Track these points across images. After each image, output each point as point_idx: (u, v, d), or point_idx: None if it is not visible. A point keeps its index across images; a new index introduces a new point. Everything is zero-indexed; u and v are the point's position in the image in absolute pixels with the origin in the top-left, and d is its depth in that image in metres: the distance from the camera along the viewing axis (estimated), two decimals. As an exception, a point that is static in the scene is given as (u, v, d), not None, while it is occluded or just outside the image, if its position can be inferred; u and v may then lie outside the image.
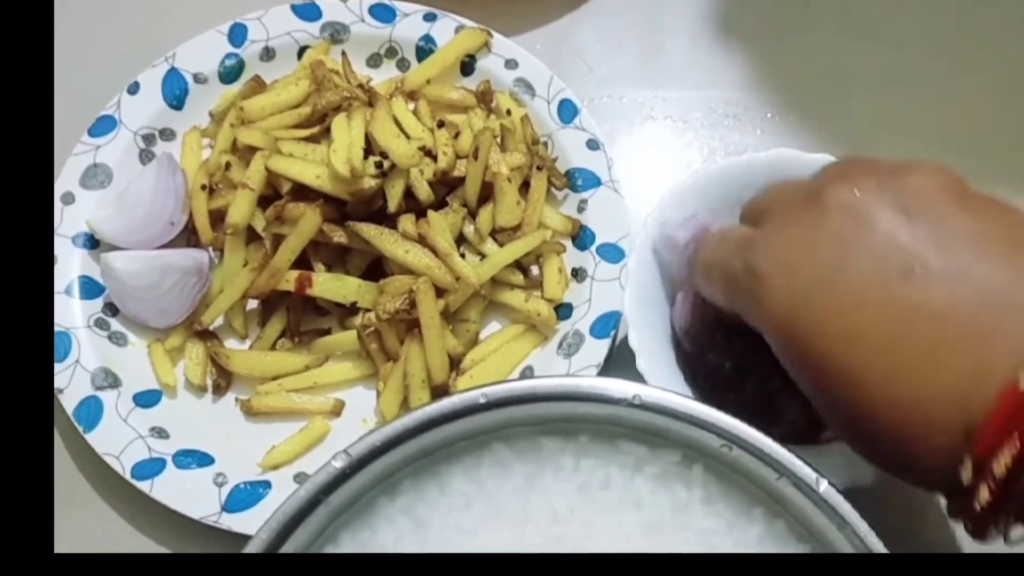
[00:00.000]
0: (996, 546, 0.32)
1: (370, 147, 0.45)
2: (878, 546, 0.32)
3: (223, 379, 0.45)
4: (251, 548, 0.32)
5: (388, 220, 0.45)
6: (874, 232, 0.32)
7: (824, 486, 0.33)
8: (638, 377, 0.40)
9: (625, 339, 0.48)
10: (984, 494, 0.29)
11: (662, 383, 0.41)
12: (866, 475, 0.39)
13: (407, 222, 0.45)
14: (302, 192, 0.45)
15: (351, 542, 0.34)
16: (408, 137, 0.46)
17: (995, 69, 0.56)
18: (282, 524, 0.32)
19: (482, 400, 0.34)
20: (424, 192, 0.45)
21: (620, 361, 0.48)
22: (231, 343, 0.47)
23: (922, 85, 0.56)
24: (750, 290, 0.35)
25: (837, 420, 0.34)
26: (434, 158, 0.46)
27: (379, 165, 0.44)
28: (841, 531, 0.32)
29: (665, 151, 0.54)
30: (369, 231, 0.44)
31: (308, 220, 0.44)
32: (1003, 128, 0.54)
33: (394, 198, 0.45)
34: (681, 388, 0.42)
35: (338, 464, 0.33)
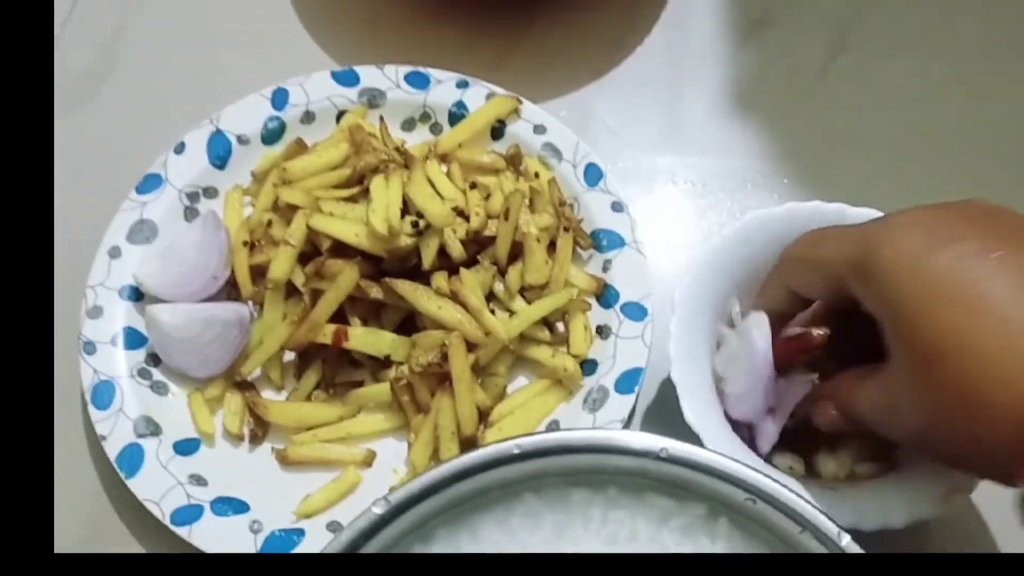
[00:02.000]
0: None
1: (406, 207, 0.47)
2: (899, 600, 0.33)
3: (260, 428, 0.47)
4: (291, 592, 0.33)
5: (422, 277, 0.47)
6: (1014, 223, 0.34)
7: (846, 540, 0.34)
8: (667, 432, 0.41)
9: (653, 396, 0.50)
10: None
11: (711, 435, 0.42)
12: (898, 517, 0.40)
13: (440, 279, 0.47)
14: (341, 249, 0.47)
15: (388, 588, 0.35)
16: (442, 198, 0.48)
17: (1011, 134, 0.58)
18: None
19: (516, 451, 0.36)
20: (457, 250, 0.47)
21: (649, 418, 0.50)
22: (268, 394, 0.48)
23: (938, 152, 0.58)
24: (880, 240, 0.35)
25: (922, 379, 0.34)
26: (466, 218, 0.48)
27: (415, 224, 0.46)
28: (863, 585, 0.33)
29: (686, 214, 0.56)
30: (404, 287, 0.46)
31: (346, 276, 0.46)
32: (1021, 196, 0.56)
33: (428, 256, 0.47)
34: (729, 440, 0.43)
35: (378, 510, 0.34)
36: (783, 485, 0.35)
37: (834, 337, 0.41)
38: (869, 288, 0.36)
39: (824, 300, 0.41)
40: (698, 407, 0.42)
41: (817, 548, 0.34)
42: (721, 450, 0.41)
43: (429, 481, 0.35)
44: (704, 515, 0.36)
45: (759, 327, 0.42)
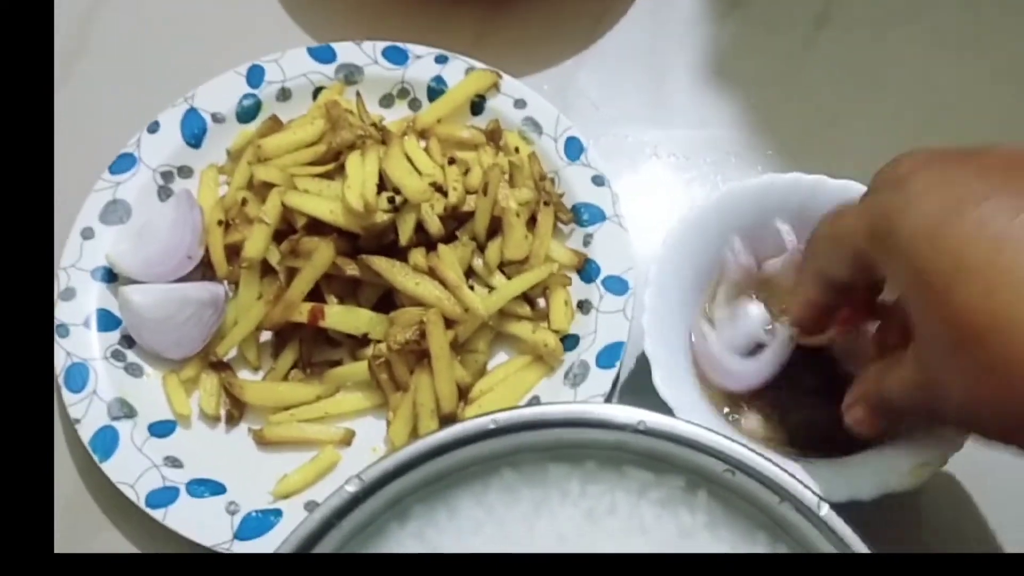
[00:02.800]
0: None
1: (383, 183, 0.46)
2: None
3: (236, 409, 0.46)
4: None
5: (399, 254, 0.46)
6: None
7: (825, 510, 0.33)
8: (647, 405, 0.41)
9: (633, 369, 0.49)
10: None
11: (682, 406, 0.41)
12: (868, 490, 0.40)
13: (418, 255, 0.46)
14: (316, 227, 0.46)
15: (362, 566, 0.35)
16: (420, 173, 0.47)
17: (997, 104, 0.58)
18: (295, 547, 0.33)
19: (492, 426, 0.35)
20: (435, 226, 0.46)
21: (629, 391, 0.49)
22: (244, 374, 0.48)
23: (922, 123, 0.57)
24: (898, 209, 0.33)
25: (953, 340, 0.32)
26: (444, 194, 0.47)
27: (391, 200, 0.45)
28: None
29: (668, 187, 0.55)
30: (381, 264, 0.45)
31: (322, 253, 0.45)
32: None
33: (405, 232, 0.46)
34: (703, 411, 0.42)
35: (351, 488, 0.34)
36: (762, 455, 0.34)
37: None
38: (891, 262, 0.34)
39: (853, 280, 0.38)
40: (671, 379, 0.42)
41: (796, 518, 0.34)
42: (679, 405, 0.41)
43: (404, 458, 0.35)
44: (683, 487, 0.36)
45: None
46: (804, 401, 0.43)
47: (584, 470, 0.36)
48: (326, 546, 0.34)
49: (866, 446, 0.41)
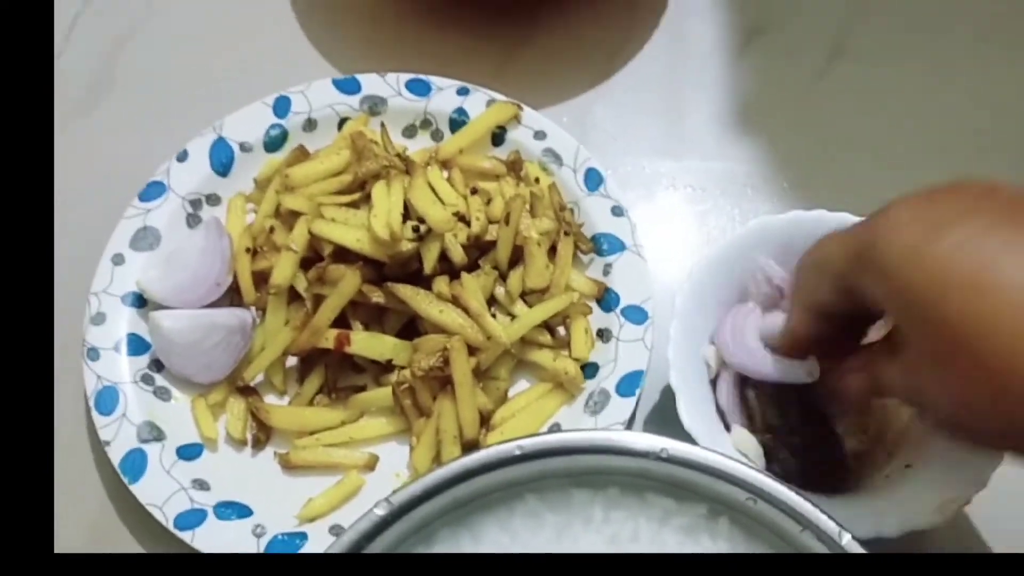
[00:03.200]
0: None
1: (408, 212, 0.48)
2: (900, 598, 0.33)
3: (263, 433, 0.47)
4: (294, 593, 0.33)
5: (423, 282, 0.47)
6: (1013, 199, 0.33)
7: (847, 539, 0.34)
8: (669, 434, 0.42)
9: (657, 402, 0.50)
10: None
11: (703, 434, 0.42)
12: (891, 527, 0.40)
13: (441, 283, 0.47)
14: (342, 255, 0.47)
15: (390, 589, 0.36)
16: (443, 203, 0.48)
17: (1012, 138, 0.58)
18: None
19: (517, 452, 0.36)
20: (458, 255, 0.47)
21: (653, 423, 0.50)
22: (271, 399, 0.48)
23: (937, 156, 0.58)
24: (876, 233, 0.35)
25: (944, 354, 0.33)
26: (467, 223, 0.48)
27: (416, 229, 0.46)
28: (863, 583, 0.33)
29: (684, 218, 0.56)
30: (406, 292, 0.46)
31: (348, 281, 0.46)
32: None
33: (430, 260, 0.47)
34: (724, 442, 0.43)
35: (380, 512, 0.34)
36: (784, 485, 0.35)
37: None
38: (875, 284, 0.36)
39: (836, 305, 0.39)
40: (696, 411, 0.42)
41: (818, 547, 0.34)
42: (700, 432, 0.42)
43: (431, 483, 0.35)
44: (705, 515, 0.36)
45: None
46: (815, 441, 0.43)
47: (607, 496, 0.37)
48: (355, 569, 0.34)
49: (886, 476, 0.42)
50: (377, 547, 0.35)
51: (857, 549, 0.33)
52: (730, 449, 0.42)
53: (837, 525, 0.34)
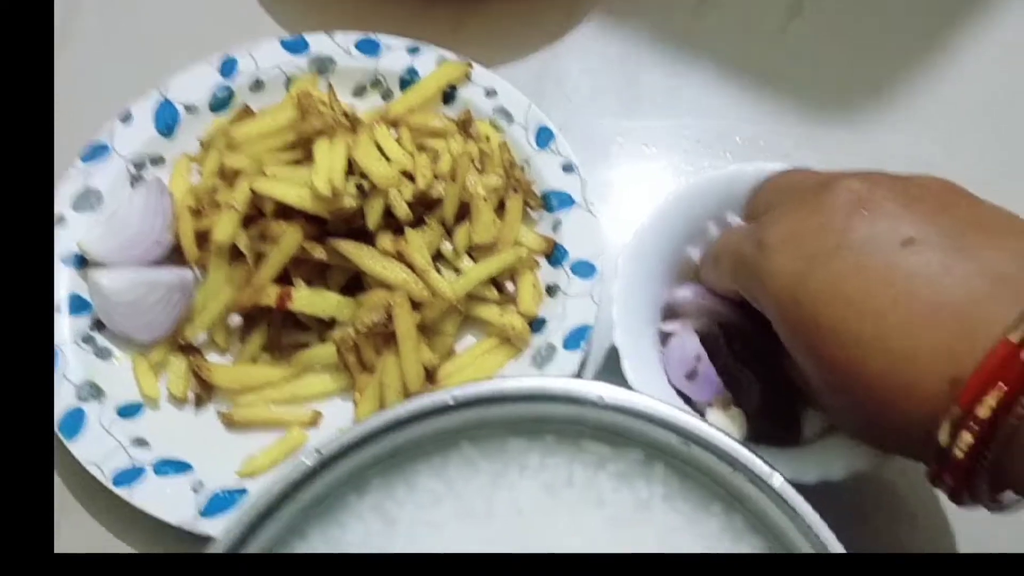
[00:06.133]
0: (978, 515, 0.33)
1: (351, 169, 0.47)
2: (830, 539, 0.33)
3: (205, 392, 0.47)
4: (221, 541, 0.33)
5: (367, 238, 0.47)
6: (879, 211, 0.34)
7: (778, 480, 0.34)
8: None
9: (603, 364, 0.50)
10: (966, 439, 0.30)
11: (647, 384, 0.42)
12: (838, 470, 0.40)
13: (385, 239, 0.46)
14: (284, 212, 0.47)
15: (320, 538, 0.35)
16: (389, 160, 0.48)
17: (971, 91, 0.58)
18: (252, 518, 0.33)
19: (450, 401, 0.35)
20: (403, 211, 0.47)
21: (599, 379, 0.49)
22: (213, 357, 0.48)
23: (894, 111, 0.57)
24: (757, 263, 0.36)
25: (829, 384, 0.35)
26: (413, 180, 0.48)
27: (359, 186, 0.46)
28: (794, 523, 0.33)
29: (640, 176, 0.56)
30: (348, 247, 0.46)
31: (289, 237, 0.45)
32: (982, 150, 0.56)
33: (373, 217, 0.46)
34: (664, 389, 0.43)
35: (309, 461, 0.34)
36: (715, 428, 0.35)
37: None
38: (765, 311, 0.37)
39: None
40: (641, 368, 0.42)
41: (750, 489, 0.34)
42: (643, 383, 0.42)
43: (361, 432, 0.35)
44: (641, 460, 0.36)
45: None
46: (763, 396, 0.43)
47: (543, 444, 0.37)
48: (283, 518, 0.34)
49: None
50: (307, 496, 0.34)
51: (787, 490, 0.33)
52: (677, 403, 0.42)
53: (768, 466, 0.34)
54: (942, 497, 0.46)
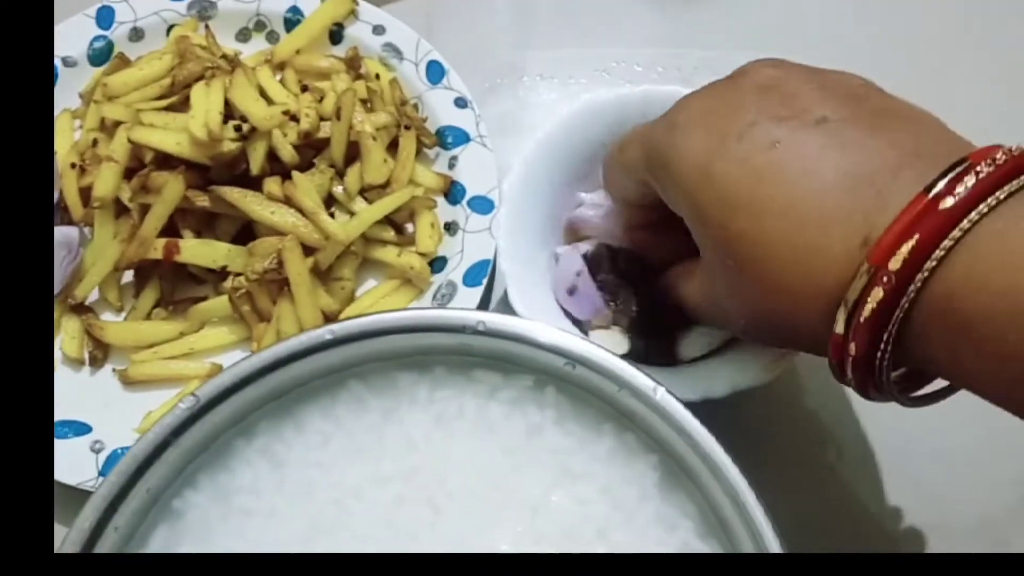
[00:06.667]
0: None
1: (231, 112, 0.46)
2: (715, 447, 0.33)
3: (100, 351, 0.46)
4: (103, 490, 0.32)
5: (253, 184, 0.46)
6: (794, 94, 0.34)
7: (661, 394, 0.34)
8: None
9: (504, 295, 0.50)
10: (876, 294, 0.30)
11: (533, 308, 0.42)
12: (721, 388, 0.40)
13: (272, 184, 0.45)
14: (166, 161, 0.45)
15: (209, 483, 0.35)
16: (270, 102, 0.47)
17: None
18: (132, 467, 0.33)
19: (329, 336, 0.35)
20: (288, 154, 0.46)
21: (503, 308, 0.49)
22: (108, 316, 0.47)
23: (817, 47, 0.57)
24: (667, 142, 0.35)
25: (734, 266, 0.34)
26: (298, 122, 0.47)
27: (238, 128, 0.45)
28: (681, 436, 0.33)
29: (538, 107, 0.55)
30: (232, 194, 0.45)
31: (171, 187, 0.44)
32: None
33: (256, 160, 0.45)
34: (558, 322, 0.43)
35: (185, 405, 0.34)
36: (599, 347, 0.35)
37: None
38: (670, 193, 0.36)
39: (648, 200, 0.40)
40: (527, 295, 0.42)
41: (636, 406, 0.34)
42: (531, 311, 0.42)
43: (239, 373, 0.34)
44: (531, 386, 0.36)
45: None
46: (640, 312, 0.43)
47: (433, 376, 0.37)
48: (166, 464, 0.34)
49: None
50: (188, 441, 0.34)
51: (672, 403, 0.34)
52: (565, 327, 0.42)
53: (651, 381, 0.34)
54: (853, 406, 0.47)
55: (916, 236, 0.29)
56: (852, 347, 0.31)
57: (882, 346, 0.31)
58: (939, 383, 0.34)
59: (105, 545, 0.32)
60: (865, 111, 0.33)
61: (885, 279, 0.29)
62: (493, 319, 0.35)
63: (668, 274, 0.41)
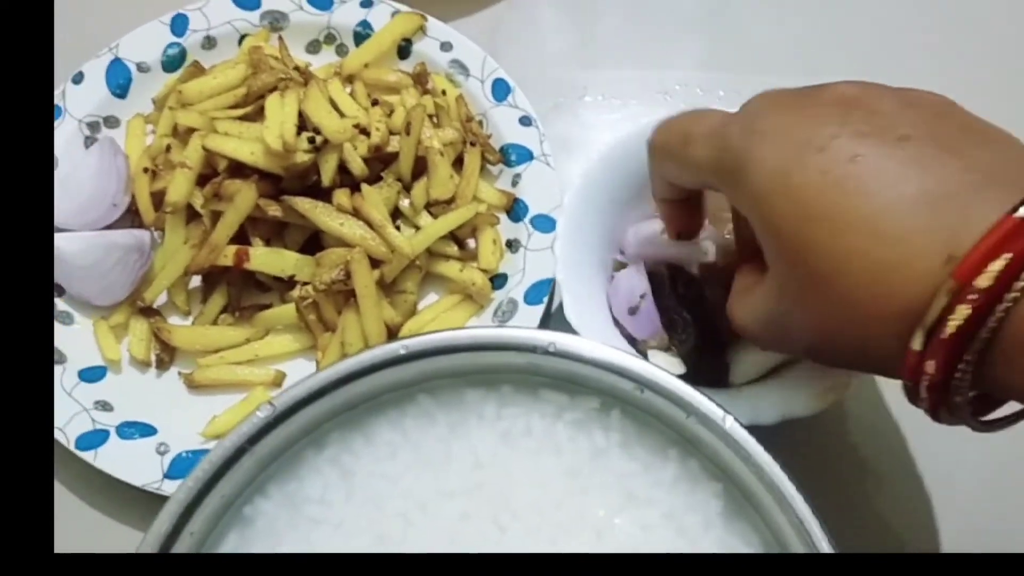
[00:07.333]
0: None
1: (304, 124, 0.47)
2: (782, 478, 0.33)
3: (166, 354, 0.46)
4: (179, 495, 0.33)
5: (324, 195, 0.47)
6: (875, 110, 0.33)
7: (729, 422, 0.34)
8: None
9: (562, 309, 0.50)
10: (962, 311, 0.29)
11: (589, 327, 0.42)
12: (770, 415, 0.40)
13: (342, 196, 0.46)
14: (239, 170, 0.46)
15: (279, 492, 0.35)
16: (342, 115, 0.47)
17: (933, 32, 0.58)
18: (209, 473, 0.34)
19: (402, 351, 0.35)
20: (358, 166, 0.47)
21: (561, 328, 0.50)
22: (175, 320, 0.48)
23: (859, 61, 0.57)
24: (744, 148, 0.34)
25: (812, 276, 0.33)
26: (368, 135, 0.48)
27: (312, 140, 0.46)
28: (747, 465, 0.34)
29: (599, 127, 0.55)
30: (303, 204, 0.45)
31: (244, 196, 0.45)
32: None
33: (327, 172, 0.46)
34: (611, 337, 0.43)
35: (262, 414, 0.34)
36: (669, 373, 0.35)
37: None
38: (741, 202, 0.36)
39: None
40: (583, 307, 0.42)
41: (704, 433, 0.35)
42: (588, 330, 0.42)
43: (315, 384, 0.35)
44: (597, 408, 0.37)
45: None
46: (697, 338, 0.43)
47: (500, 394, 0.37)
48: (240, 472, 0.34)
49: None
50: (263, 449, 0.35)
51: (739, 431, 0.34)
52: (620, 343, 0.42)
53: (721, 409, 0.34)
54: (897, 438, 0.47)
55: (1009, 255, 0.28)
56: (929, 366, 0.30)
57: (962, 367, 0.30)
58: (1012, 406, 0.33)
59: (180, 549, 0.33)
60: (948, 129, 0.33)
61: (972, 297, 0.29)
62: (564, 340, 0.36)
63: (731, 293, 0.40)
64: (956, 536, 0.45)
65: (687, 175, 0.39)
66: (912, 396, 0.33)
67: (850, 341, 0.34)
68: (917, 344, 0.30)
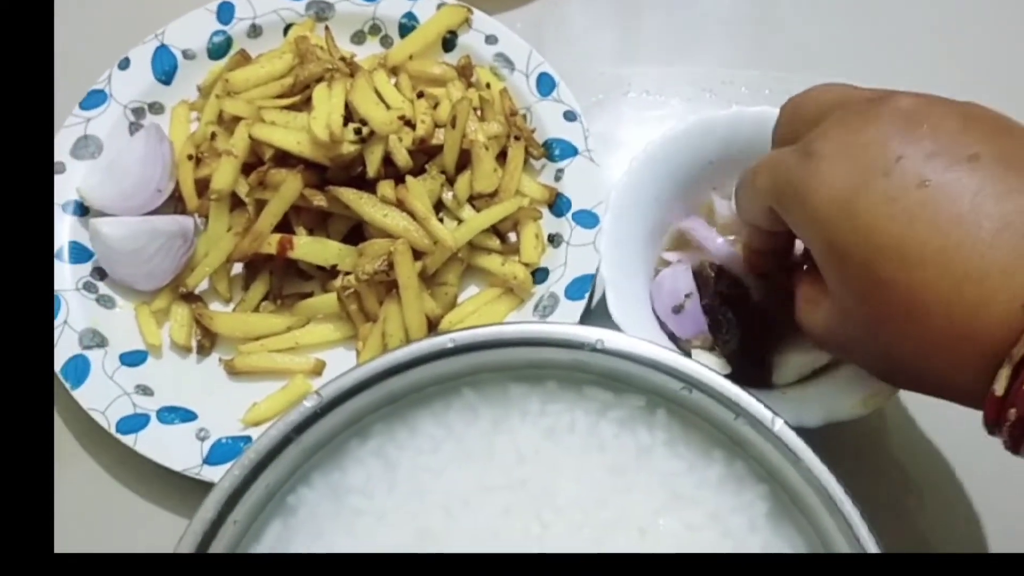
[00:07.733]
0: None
1: (350, 115, 0.46)
2: (831, 481, 0.33)
3: (207, 340, 0.47)
4: (225, 483, 0.33)
5: (368, 186, 0.47)
6: (939, 127, 0.32)
7: (779, 425, 0.34)
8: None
9: (602, 303, 0.50)
10: None
11: (631, 324, 0.42)
12: (814, 418, 0.40)
13: (386, 187, 0.46)
14: (284, 159, 0.46)
15: (323, 482, 0.35)
16: (388, 106, 0.47)
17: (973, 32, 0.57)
18: (254, 462, 0.34)
19: (450, 345, 0.35)
20: (403, 158, 0.46)
21: (601, 324, 0.49)
22: (216, 306, 0.48)
23: (899, 61, 0.57)
24: (803, 172, 0.33)
25: (881, 310, 0.32)
26: (413, 127, 0.47)
27: (358, 131, 0.46)
28: (795, 468, 0.33)
29: (642, 124, 0.55)
30: (348, 195, 0.45)
31: (289, 185, 0.45)
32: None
33: (373, 163, 0.46)
34: (655, 334, 0.43)
35: (309, 404, 0.34)
36: (718, 374, 0.35)
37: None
38: (802, 229, 0.35)
39: (777, 227, 0.38)
40: (626, 303, 0.42)
41: (751, 434, 0.34)
42: (631, 326, 0.41)
43: (361, 376, 0.35)
44: (643, 407, 0.36)
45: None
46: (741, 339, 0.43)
47: (544, 390, 0.37)
48: (285, 461, 0.34)
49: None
50: (309, 440, 0.35)
51: (788, 434, 0.33)
52: (663, 340, 0.42)
53: (770, 411, 0.34)
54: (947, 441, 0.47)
55: None
56: (1011, 413, 0.29)
57: None
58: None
59: (224, 537, 0.33)
60: (1013, 147, 0.32)
61: None
62: (612, 338, 0.35)
63: (796, 298, 0.39)
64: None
65: (755, 206, 0.37)
66: (992, 431, 0.31)
67: (927, 377, 0.33)
68: (1000, 389, 0.29)
